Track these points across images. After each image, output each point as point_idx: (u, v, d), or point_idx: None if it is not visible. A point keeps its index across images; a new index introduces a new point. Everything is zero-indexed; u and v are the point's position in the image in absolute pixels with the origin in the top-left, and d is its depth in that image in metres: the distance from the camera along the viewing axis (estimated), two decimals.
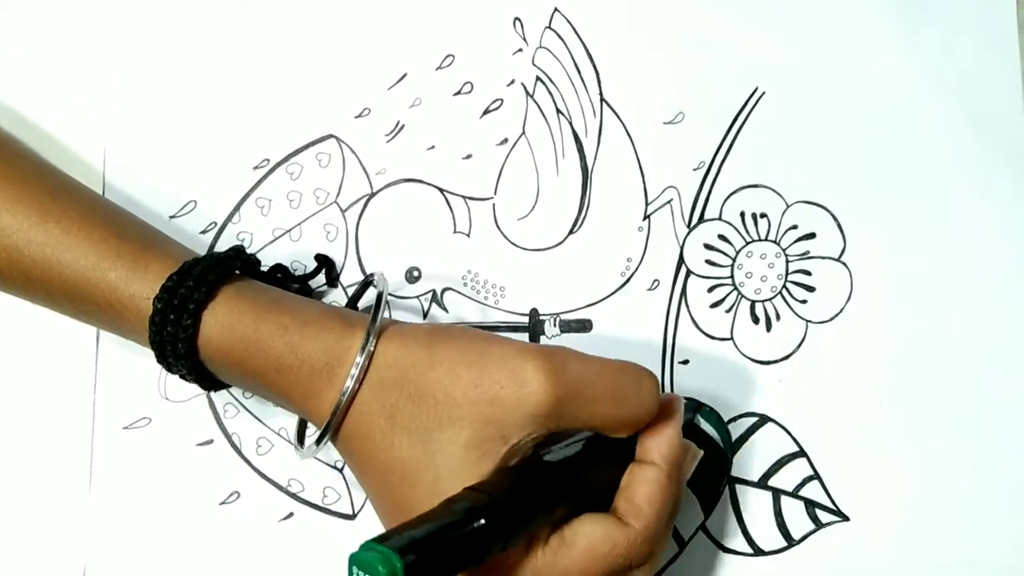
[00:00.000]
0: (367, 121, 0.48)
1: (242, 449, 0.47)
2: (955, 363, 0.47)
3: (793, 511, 0.47)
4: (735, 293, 0.48)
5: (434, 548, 0.33)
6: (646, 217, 0.48)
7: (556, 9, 0.49)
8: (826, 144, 0.48)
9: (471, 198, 0.48)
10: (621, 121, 0.48)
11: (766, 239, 0.48)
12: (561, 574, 0.37)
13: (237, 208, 0.48)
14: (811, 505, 0.47)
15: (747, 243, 0.48)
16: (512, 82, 0.49)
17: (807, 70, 0.49)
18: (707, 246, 0.48)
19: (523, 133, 0.48)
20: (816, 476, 0.47)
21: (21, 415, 0.46)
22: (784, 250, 0.48)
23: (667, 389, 0.47)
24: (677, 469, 0.40)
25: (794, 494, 0.47)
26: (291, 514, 0.46)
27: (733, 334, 0.48)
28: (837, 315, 0.48)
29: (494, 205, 0.48)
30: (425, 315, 0.47)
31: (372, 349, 0.39)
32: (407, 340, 0.39)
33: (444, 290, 0.47)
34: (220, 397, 0.47)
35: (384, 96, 0.48)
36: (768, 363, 0.48)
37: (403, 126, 0.48)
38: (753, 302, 0.48)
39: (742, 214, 0.48)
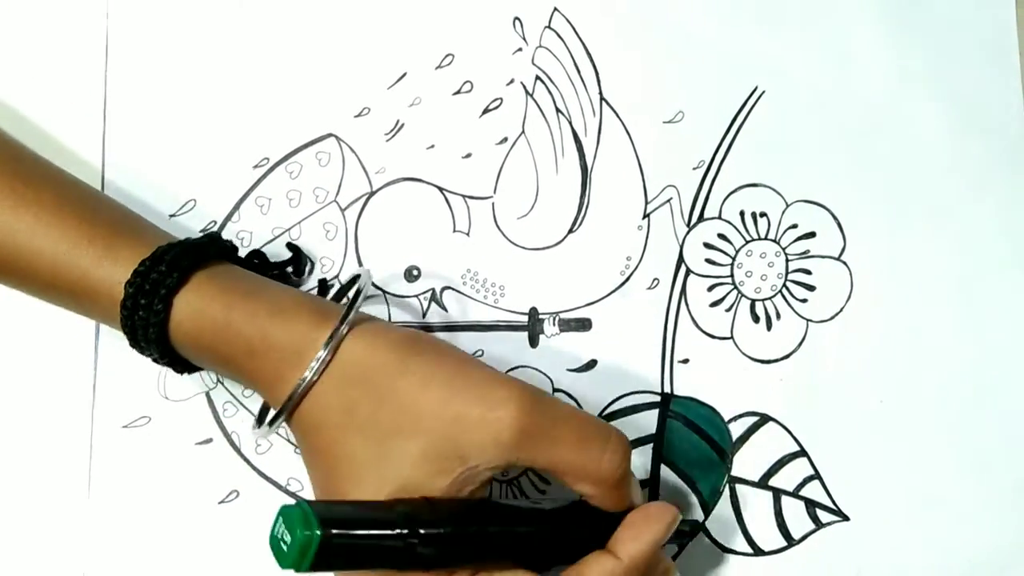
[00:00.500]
0: (367, 120, 0.48)
1: (241, 448, 0.47)
2: (955, 362, 0.47)
3: (793, 511, 0.47)
4: (735, 292, 0.48)
5: (356, 536, 0.32)
6: (646, 216, 0.48)
7: (556, 8, 0.49)
8: (826, 143, 0.48)
9: (470, 197, 0.48)
10: (621, 120, 0.48)
11: (766, 238, 0.48)
12: None
13: (237, 207, 0.48)
14: (811, 505, 0.47)
15: (747, 242, 0.48)
16: (512, 81, 0.49)
17: (807, 69, 0.49)
18: (707, 245, 0.48)
19: (523, 132, 0.48)
20: (816, 476, 0.47)
21: (20, 413, 0.46)
22: (784, 249, 0.48)
23: (667, 389, 0.47)
24: (638, 574, 0.38)
25: (794, 494, 0.47)
26: None
27: (733, 333, 0.48)
28: (837, 314, 0.48)
29: (493, 204, 0.48)
30: (424, 314, 0.47)
31: (338, 343, 0.38)
32: (381, 342, 0.39)
33: (443, 289, 0.47)
34: (219, 396, 0.47)
35: (384, 95, 0.48)
36: (768, 362, 0.48)
37: (403, 125, 0.48)
38: (753, 301, 0.48)
39: (742, 213, 0.48)
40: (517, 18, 0.49)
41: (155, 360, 0.42)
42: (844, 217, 0.48)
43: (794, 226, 0.48)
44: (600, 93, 0.49)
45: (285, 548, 0.31)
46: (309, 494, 0.46)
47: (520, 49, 0.49)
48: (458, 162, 0.48)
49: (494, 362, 0.46)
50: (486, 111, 0.48)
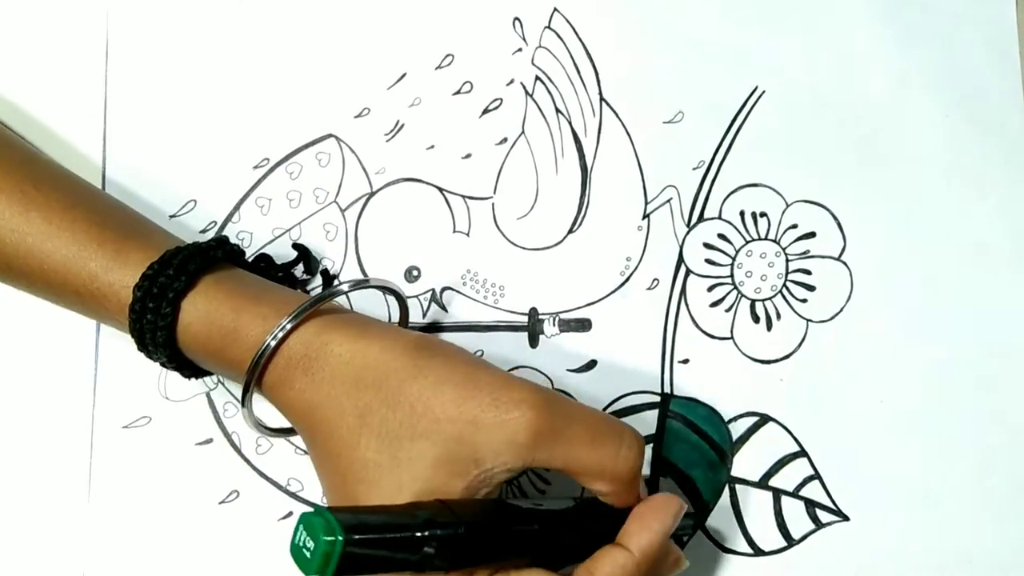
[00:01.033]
0: (367, 121, 0.48)
1: (241, 448, 0.47)
2: (955, 362, 0.47)
3: (793, 511, 0.47)
4: (735, 292, 0.48)
5: (380, 540, 0.32)
6: (645, 216, 0.48)
7: (555, 9, 0.49)
8: (826, 143, 0.48)
9: (470, 197, 0.48)
10: (620, 120, 0.48)
11: (766, 238, 0.48)
12: None
13: (237, 207, 0.48)
14: (811, 505, 0.47)
15: (747, 242, 0.48)
16: (511, 82, 0.49)
17: (807, 69, 0.49)
18: (707, 245, 0.48)
19: (522, 132, 0.48)
20: (816, 476, 0.47)
21: (21, 413, 0.46)
22: (784, 249, 0.48)
23: (667, 389, 0.47)
24: (649, 565, 0.38)
25: (794, 494, 0.47)
26: (290, 513, 0.46)
27: (733, 333, 0.48)
28: (837, 314, 0.48)
29: (493, 204, 0.48)
30: (424, 314, 0.47)
31: (289, 327, 0.38)
32: (394, 345, 0.39)
33: (443, 289, 0.47)
34: (220, 396, 0.47)
35: (384, 96, 0.48)
36: (768, 362, 0.48)
37: (403, 125, 0.48)
38: (753, 301, 0.48)
39: (742, 213, 0.48)
40: (517, 18, 0.49)
41: (163, 364, 0.42)
42: (844, 217, 0.48)
43: (794, 226, 0.48)
44: (600, 93, 0.49)
45: (308, 555, 0.31)
46: (309, 494, 0.46)
47: (520, 49, 0.49)
48: (458, 162, 0.48)
49: (494, 362, 0.46)
50: (486, 111, 0.48)
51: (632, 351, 0.47)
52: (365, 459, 0.37)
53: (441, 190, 0.48)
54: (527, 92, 0.49)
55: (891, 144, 0.48)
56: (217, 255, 0.41)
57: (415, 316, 0.47)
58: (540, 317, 0.47)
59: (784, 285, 0.48)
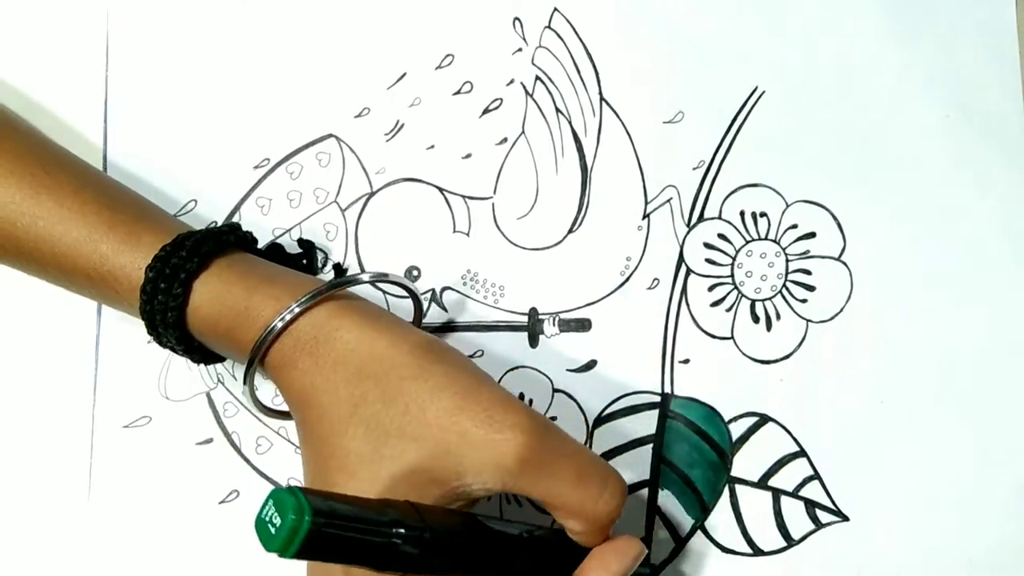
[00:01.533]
0: (367, 120, 0.48)
1: (242, 448, 0.47)
2: (955, 362, 0.47)
3: (793, 511, 0.47)
4: (735, 292, 0.48)
5: (345, 530, 0.32)
6: (646, 216, 0.48)
7: (556, 9, 0.49)
8: (826, 143, 0.48)
9: (470, 197, 0.48)
10: (620, 120, 0.48)
11: (766, 238, 0.48)
12: None
13: (237, 207, 0.48)
14: (811, 505, 0.47)
15: (747, 242, 0.48)
16: (512, 81, 0.49)
17: (807, 69, 0.49)
18: (707, 245, 0.48)
19: (522, 132, 0.48)
20: (816, 476, 0.47)
21: (21, 413, 0.46)
22: (784, 249, 0.48)
23: (667, 389, 0.47)
24: None
25: (794, 494, 0.47)
26: None
27: (733, 333, 0.48)
28: (837, 314, 0.48)
29: (493, 204, 0.48)
30: (424, 314, 0.47)
31: (298, 309, 0.39)
32: (402, 340, 0.39)
33: (443, 289, 0.47)
34: (220, 396, 0.47)
35: (384, 95, 0.48)
36: (768, 362, 0.48)
37: (403, 125, 0.48)
38: (753, 301, 0.48)
39: (742, 213, 0.48)
40: (517, 18, 0.49)
41: (172, 348, 0.42)
42: (844, 217, 0.48)
43: (794, 226, 0.48)
44: (600, 93, 0.49)
45: (273, 531, 0.31)
46: None
47: (520, 49, 0.49)
48: (458, 162, 0.48)
49: (494, 362, 0.47)
50: (486, 111, 0.48)
51: (632, 351, 0.47)
52: (349, 448, 0.37)
53: (441, 190, 0.48)
54: (527, 92, 0.49)
55: (891, 144, 0.48)
56: (229, 240, 0.41)
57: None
58: (540, 317, 0.47)
59: (784, 285, 0.48)
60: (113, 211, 0.41)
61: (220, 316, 0.40)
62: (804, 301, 0.48)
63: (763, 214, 0.48)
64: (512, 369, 0.47)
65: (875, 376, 0.47)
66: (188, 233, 0.41)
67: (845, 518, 0.47)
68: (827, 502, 0.47)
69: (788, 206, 0.48)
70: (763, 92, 0.49)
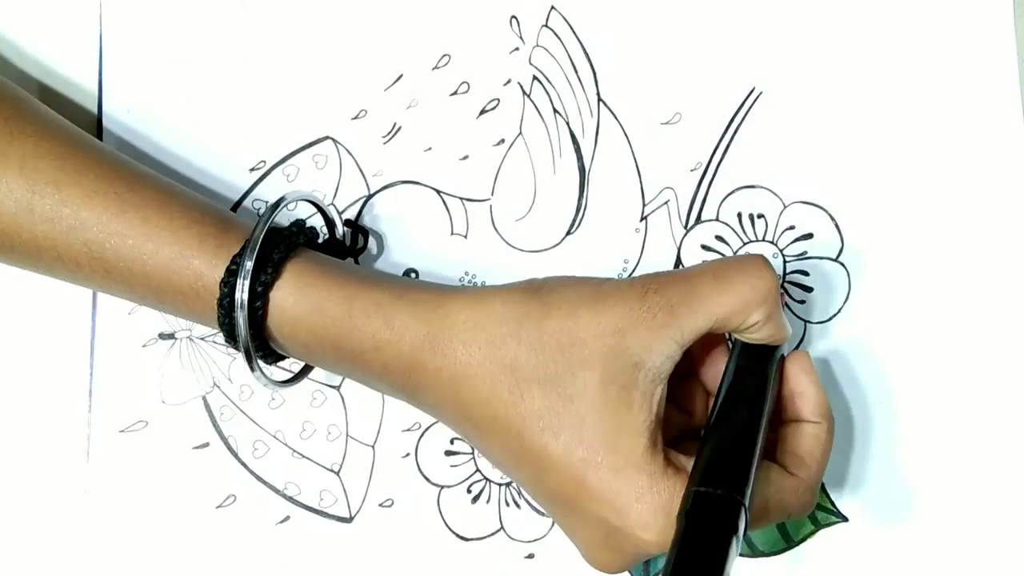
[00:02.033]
0: (363, 123, 0.48)
1: (238, 452, 0.46)
2: (954, 362, 0.47)
3: None
4: None
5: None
6: (643, 218, 0.48)
7: (553, 7, 0.49)
8: (824, 144, 0.48)
9: (468, 199, 0.48)
10: (618, 121, 0.48)
11: (763, 240, 0.48)
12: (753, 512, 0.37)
13: (234, 210, 0.47)
14: None
15: (744, 244, 0.48)
16: (509, 82, 0.48)
17: (805, 70, 0.49)
18: (704, 247, 0.48)
19: (520, 133, 0.48)
20: None
21: (17, 418, 0.46)
22: (782, 251, 0.48)
23: None
24: (830, 420, 0.41)
25: None
26: (287, 517, 0.46)
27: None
28: (835, 315, 0.48)
29: (491, 206, 0.48)
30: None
31: (268, 222, 0.39)
32: (511, 294, 0.39)
33: None
34: (216, 400, 0.47)
35: (380, 97, 0.48)
36: None
37: (400, 127, 0.48)
38: None
39: (739, 215, 0.48)
40: (514, 17, 0.49)
41: (250, 358, 0.41)
42: (841, 218, 0.48)
43: (791, 227, 0.48)
44: (598, 94, 0.48)
45: None
46: (306, 498, 0.46)
47: (517, 49, 0.49)
48: (455, 164, 0.48)
49: None
50: (483, 112, 0.48)
51: None
52: (536, 409, 0.37)
53: (439, 192, 0.48)
54: (524, 92, 0.48)
55: (889, 144, 0.48)
56: (299, 240, 0.41)
57: None
58: None
59: (782, 286, 0.48)
60: (202, 224, 0.40)
61: (326, 327, 0.39)
62: (802, 302, 0.48)
63: (760, 215, 0.48)
64: None
65: (873, 376, 0.47)
66: (254, 241, 0.40)
67: (844, 518, 0.47)
68: (826, 503, 0.47)
69: (785, 207, 0.48)
70: (761, 93, 0.49)
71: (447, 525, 0.46)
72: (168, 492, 0.46)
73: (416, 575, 0.46)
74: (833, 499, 0.47)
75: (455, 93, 0.48)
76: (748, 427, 0.38)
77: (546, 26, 0.49)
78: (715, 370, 0.43)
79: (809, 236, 0.48)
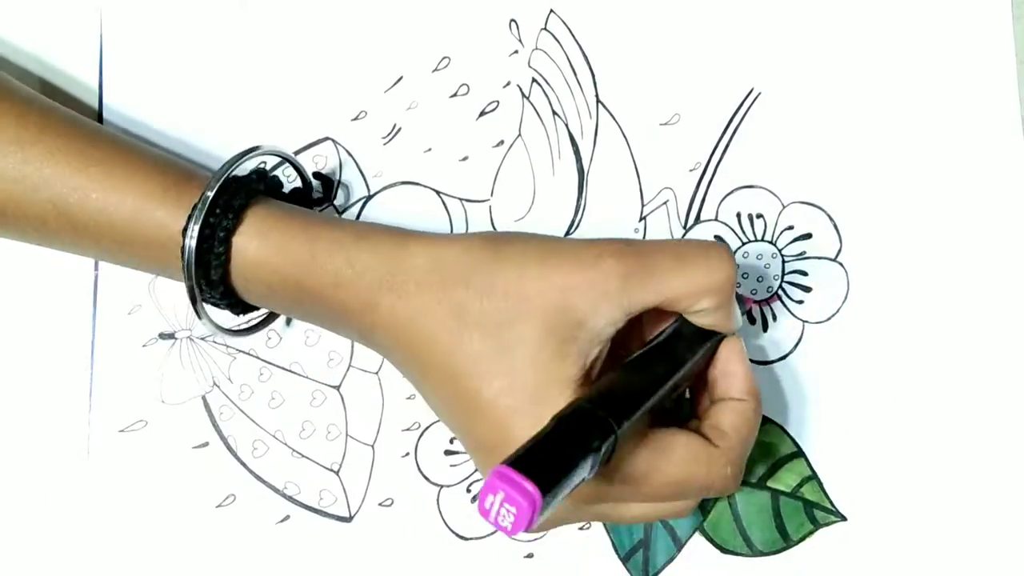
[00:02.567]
0: (363, 124, 0.48)
1: (238, 452, 0.46)
2: (954, 362, 0.47)
3: (791, 511, 0.47)
4: None
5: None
6: (642, 218, 0.48)
7: (552, 11, 0.49)
8: (822, 144, 0.48)
9: (468, 200, 0.48)
10: (617, 122, 0.49)
11: (762, 240, 0.48)
12: (662, 479, 0.38)
13: None
14: (809, 505, 0.47)
15: (743, 244, 0.48)
16: (508, 84, 0.49)
17: (803, 71, 0.49)
18: None
19: (519, 135, 0.48)
20: (814, 476, 0.47)
21: (17, 417, 0.46)
22: (780, 251, 0.48)
23: None
24: (757, 400, 0.41)
25: (792, 494, 0.47)
26: (287, 517, 0.46)
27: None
28: (834, 315, 0.48)
29: (491, 207, 0.48)
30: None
31: (228, 171, 0.40)
32: (470, 243, 0.40)
33: None
34: (216, 399, 0.47)
35: (380, 99, 0.48)
36: (765, 363, 0.48)
37: (399, 129, 0.48)
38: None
39: (738, 215, 0.48)
40: (513, 20, 0.49)
41: (216, 304, 0.42)
42: (840, 218, 0.48)
43: (790, 227, 0.48)
44: (596, 95, 0.49)
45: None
46: (306, 497, 0.46)
47: (516, 51, 0.49)
48: (455, 165, 0.48)
49: None
50: (482, 114, 0.49)
51: None
52: (473, 354, 0.38)
53: (438, 193, 0.48)
54: (523, 94, 0.49)
55: (887, 144, 0.49)
56: (259, 188, 0.42)
57: None
58: None
59: (780, 286, 0.48)
60: (164, 175, 0.41)
61: (287, 266, 0.40)
62: (801, 302, 0.48)
63: (759, 215, 0.48)
64: None
65: (872, 376, 0.47)
66: (227, 183, 0.41)
67: (843, 518, 0.47)
68: (825, 502, 0.47)
69: (784, 207, 0.48)
70: (759, 94, 0.49)
71: (447, 524, 0.46)
72: (168, 492, 0.46)
73: (416, 575, 0.46)
74: (832, 499, 0.47)
75: (455, 95, 0.49)
76: (655, 380, 0.39)
77: (545, 29, 0.49)
78: None
79: (808, 236, 0.48)
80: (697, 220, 0.48)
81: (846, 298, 0.48)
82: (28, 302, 0.47)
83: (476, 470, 0.46)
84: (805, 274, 0.48)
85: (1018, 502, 0.47)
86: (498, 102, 0.49)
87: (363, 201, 0.48)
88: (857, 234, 0.48)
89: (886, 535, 0.46)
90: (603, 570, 0.46)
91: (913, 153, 0.48)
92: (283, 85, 0.48)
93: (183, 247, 0.40)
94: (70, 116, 0.43)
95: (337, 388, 0.47)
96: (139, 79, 0.48)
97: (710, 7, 0.49)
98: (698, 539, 0.46)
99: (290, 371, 0.47)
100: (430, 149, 0.48)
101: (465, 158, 0.48)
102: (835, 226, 0.48)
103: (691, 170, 0.48)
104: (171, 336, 0.47)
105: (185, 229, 0.40)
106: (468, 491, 0.46)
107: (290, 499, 0.46)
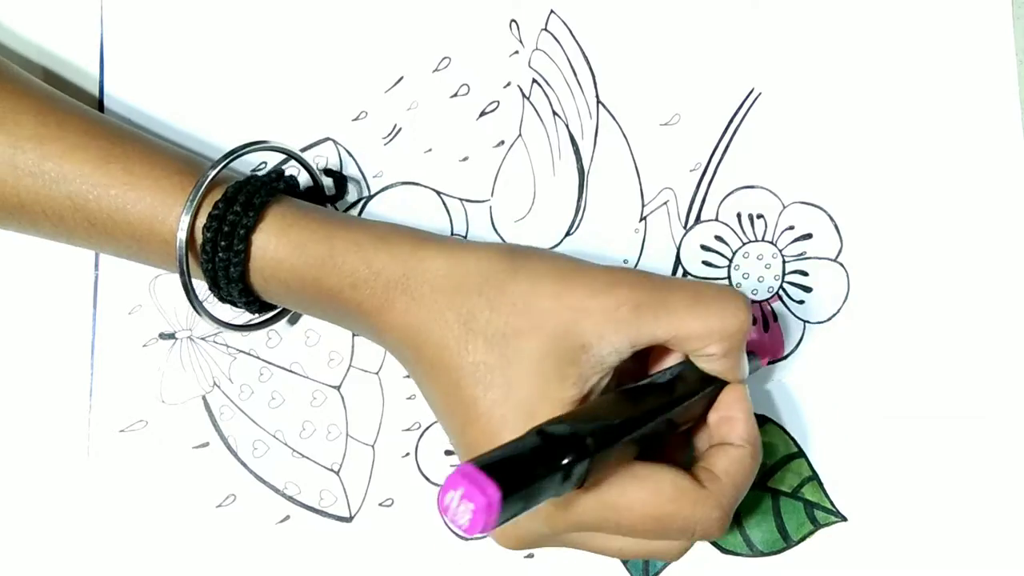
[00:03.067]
0: (364, 124, 0.48)
1: (238, 452, 0.46)
2: (954, 362, 0.47)
3: (791, 512, 0.47)
4: None
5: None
6: (642, 219, 0.48)
7: (552, 11, 0.49)
8: (823, 145, 0.48)
9: (468, 200, 0.48)
10: (617, 123, 0.49)
11: (763, 240, 0.48)
12: (639, 511, 0.37)
13: None
14: (809, 506, 0.47)
15: (744, 244, 0.48)
16: (508, 84, 0.49)
17: (803, 71, 0.49)
18: (704, 247, 0.48)
19: (519, 135, 0.48)
20: (814, 476, 0.47)
21: (17, 417, 0.46)
22: (781, 251, 0.48)
23: None
24: (756, 447, 0.40)
25: (792, 495, 0.47)
26: (287, 517, 0.46)
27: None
28: (835, 315, 0.48)
29: (491, 207, 0.48)
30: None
31: (207, 181, 0.40)
32: (488, 252, 0.40)
33: None
34: (216, 399, 0.47)
35: (381, 99, 0.48)
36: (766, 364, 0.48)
37: (400, 129, 0.48)
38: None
39: (739, 215, 0.48)
40: (513, 20, 0.49)
41: (233, 303, 0.42)
42: (841, 219, 0.48)
43: (791, 227, 0.48)
44: (596, 96, 0.49)
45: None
46: (306, 497, 0.46)
47: (516, 52, 0.49)
48: (455, 165, 0.48)
49: None
50: (483, 114, 0.49)
51: None
52: (476, 362, 0.38)
53: (439, 193, 0.48)
54: (524, 95, 0.49)
55: (888, 145, 0.49)
56: (279, 187, 0.42)
57: None
58: None
59: (781, 286, 0.48)
60: (183, 174, 0.41)
61: (306, 266, 0.40)
62: (801, 302, 0.48)
63: (760, 216, 0.48)
64: None
65: (873, 376, 0.47)
66: (237, 185, 0.41)
67: (843, 518, 0.47)
68: (825, 503, 0.47)
69: (785, 208, 0.48)
70: (759, 94, 0.49)
71: (447, 524, 0.46)
72: (168, 492, 0.46)
73: (416, 575, 0.46)
74: (832, 499, 0.47)
75: (455, 95, 0.49)
76: (646, 413, 0.38)
77: (545, 30, 0.49)
78: None
79: (808, 236, 0.48)
80: (697, 220, 0.48)
81: (846, 298, 0.48)
82: (28, 302, 0.47)
83: None
84: (806, 274, 0.48)
85: (1018, 502, 0.47)
86: (498, 102, 0.49)
87: (364, 201, 0.48)
88: (857, 234, 0.48)
89: (886, 535, 0.46)
90: (603, 570, 0.46)
91: (913, 153, 0.49)
92: (283, 85, 0.48)
93: (215, 246, 0.40)
94: (90, 112, 0.43)
95: (337, 388, 0.47)
96: (139, 78, 0.48)
97: (710, 7, 0.49)
98: None
99: (290, 371, 0.47)
100: (430, 149, 0.48)
101: (465, 158, 0.48)
102: (835, 226, 0.48)
103: (691, 170, 0.48)
104: (171, 336, 0.47)
105: (208, 227, 0.40)
106: None
107: (290, 499, 0.46)
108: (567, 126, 0.49)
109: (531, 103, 0.49)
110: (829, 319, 0.48)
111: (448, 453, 0.46)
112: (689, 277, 0.48)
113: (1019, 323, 0.48)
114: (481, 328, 0.38)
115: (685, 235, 0.48)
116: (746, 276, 0.48)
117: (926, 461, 0.47)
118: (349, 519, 0.46)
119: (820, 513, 0.47)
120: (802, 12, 0.49)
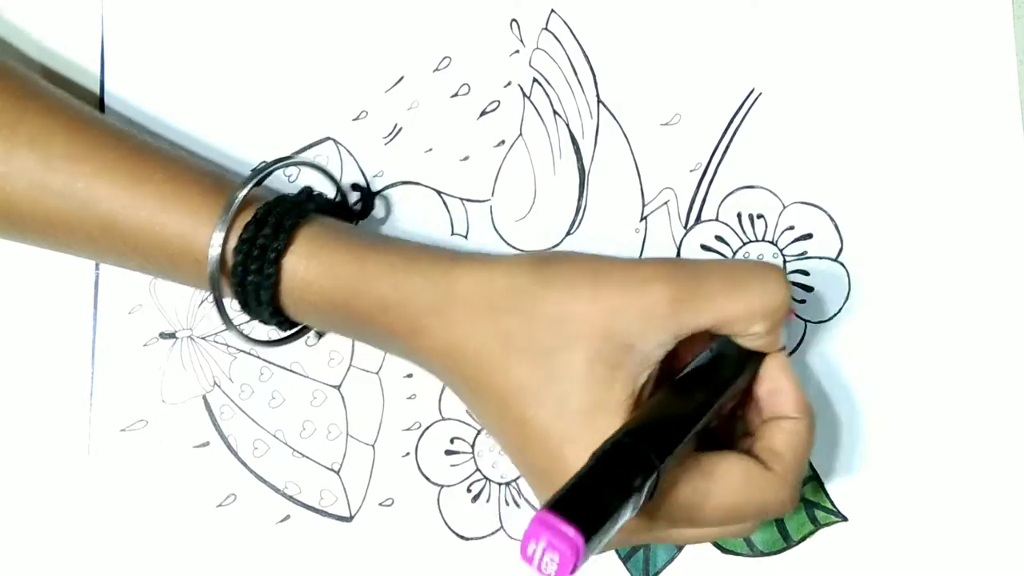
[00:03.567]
0: (364, 123, 0.48)
1: (238, 451, 0.46)
2: (954, 362, 0.47)
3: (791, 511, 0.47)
4: None
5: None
6: (643, 218, 0.48)
7: (553, 11, 0.49)
8: (823, 145, 0.48)
9: (469, 200, 0.48)
10: (618, 123, 0.49)
11: (763, 240, 0.48)
12: (713, 505, 0.37)
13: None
14: (809, 506, 0.47)
15: (744, 244, 0.48)
16: (509, 84, 0.49)
17: (804, 71, 0.49)
18: (704, 247, 0.48)
19: (520, 135, 0.48)
20: (815, 476, 0.47)
21: (18, 417, 0.46)
22: (781, 251, 0.48)
23: None
24: (811, 416, 0.40)
25: None
26: (288, 516, 0.46)
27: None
28: (835, 315, 0.48)
29: (491, 207, 0.48)
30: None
31: (253, 184, 0.41)
32: (516, 267, 0.39)
33: None
34: (216, 399, 0.47)
35: (381, 98, 0.48)
36: None
37: (400, 128, 0.48)
38: None
39: (739, 215, 0.48)
40: (514, 20, 0.49)
41: (264, 321, 0.42)
42: (841, 218, 0.48)
43: (791, 227, 0.48)
44: (597, 95, 0.49)
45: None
46: (306, 497, 0.46)
47: (517, 51, 0.49)
48: (456, 165, 0.48)
49: None
50: (483, 113, 0.49)
51: None
52: (521, 379, 0.38)
53: (439, 192, 0.48)
54: (524, 94, 0.49)
55: (888, 145, 0.49)
56: (310, 208, 0.41)
57: None
58: None
59: None
60: (215, 195, 0.41)
61: (336, 289, 0.40)
62: (802, 302, 0.48)
63: (760, 216, 0.48)
64: None
65: (873, 376, 0.47)
66: (267, 206, 0.40)
67: (843, 518, 0.47)
68: (825, 503, 0.47)
69: (785, 208, 0.48)
70: (760, 94, 0.49)
71: (447, 524, 0.46)
72: (168, 491, 0.46)
73: (416, 574, 0.46)
74: (833, 499, 0.47)
75: (456, 95, 0.49)
76: (698, 406, 0.38)
77: (546, 29, 0.49)
78: None
79: (809, 236, 0.48)
80: (698, 220, 0.48)
81: (847, 298, 0.48)
82: (28, 302, 0.47)
83: (477, 470, 0.46)
84: (806, 274, 0.48)
85: (1018, 502, 0.47)
86: (499, 102, 0.49)
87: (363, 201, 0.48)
88: (858, 234, 0.48)
89: (886, 535, 0.46)
90: (603, 570, 0.46)
91: (914, 153, 0.49)
92: (284, 84, 0.48)
93: (245, 268, 0.40)
94: (119, 130, 0.43)
95: (338, 388, 0.47)
96: (140, 76, 0.48)
97: (710, 7, 0.49)
98: None
99: (291, 371, 0.47)
100: (431, 149, 0.48)
101: (466, 158, 0.48)
102: (836, 226, 0.48)
103: (692, 170, 0.48)
104: (172, 336, 0.47)
105: (239, 249, 0.40)
106: (468, 491, 0.46)
107: (290, 499, 0.46)
108: (568, 126, 0.49)
109: (532, 103, 0.49)
110: (830, 319, 0.48)
111: (449, 453, 0.46)
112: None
113: (1019, 323, 0.48)
114: (522, 344, 0.38)
115: (685, 235, 0.48)
116: None
117: (926, 461, 0.47)
118: (349, 519, 0.46)
119: (820, 513, 0.47)
120: (802, 12, 0.49)
